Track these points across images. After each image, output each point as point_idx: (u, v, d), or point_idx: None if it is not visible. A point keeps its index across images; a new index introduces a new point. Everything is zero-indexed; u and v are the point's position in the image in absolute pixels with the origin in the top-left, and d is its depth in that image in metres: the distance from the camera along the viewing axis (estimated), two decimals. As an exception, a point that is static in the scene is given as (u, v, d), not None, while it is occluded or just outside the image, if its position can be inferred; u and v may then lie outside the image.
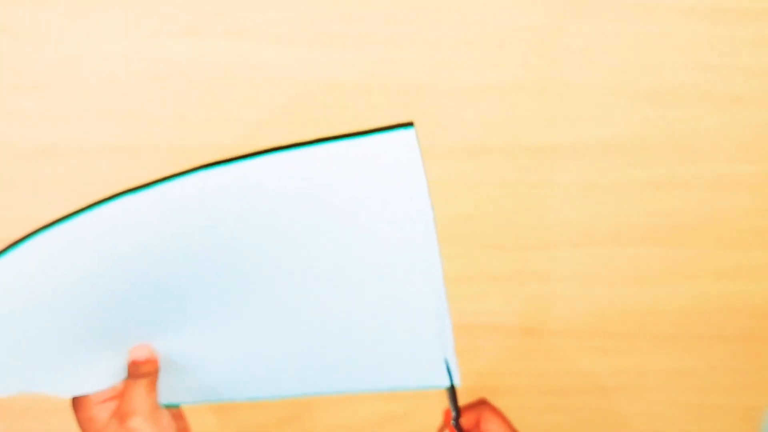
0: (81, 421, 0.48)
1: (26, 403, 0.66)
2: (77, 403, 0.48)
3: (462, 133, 0.58)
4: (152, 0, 0.52)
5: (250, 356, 0.52)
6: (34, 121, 0.55)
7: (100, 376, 0.48)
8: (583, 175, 0.60)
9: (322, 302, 0.50)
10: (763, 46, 0.57)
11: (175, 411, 0.51)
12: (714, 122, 0.59)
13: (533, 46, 0.55)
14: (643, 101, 0.58)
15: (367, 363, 0.52)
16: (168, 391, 0.50)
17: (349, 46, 0.54)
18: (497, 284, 0.63)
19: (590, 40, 0.55)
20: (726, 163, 0.61)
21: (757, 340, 0.68)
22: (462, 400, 0.51)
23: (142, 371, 0.48)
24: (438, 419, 0.52)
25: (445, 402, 0.50)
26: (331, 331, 0.51)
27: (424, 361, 0.51)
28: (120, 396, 0.48)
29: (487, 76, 0.56)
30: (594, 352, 0.68)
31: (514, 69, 0.56)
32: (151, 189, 0.46)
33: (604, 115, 0.58)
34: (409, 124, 0.45)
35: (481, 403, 0.51)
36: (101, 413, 0.48)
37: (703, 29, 0.56)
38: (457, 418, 0.50)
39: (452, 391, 0.50)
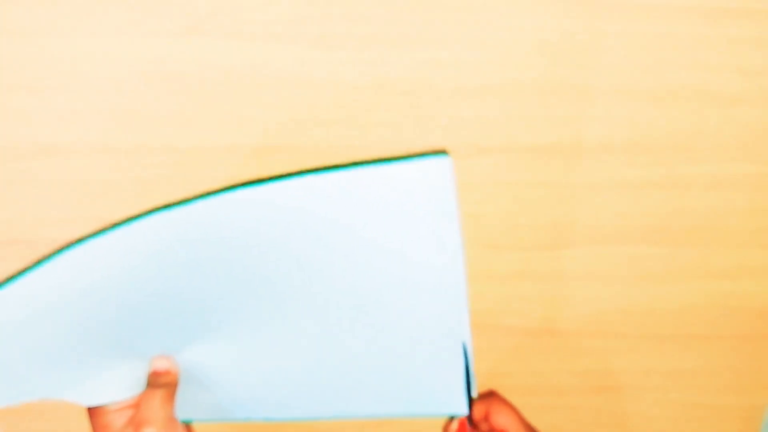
0: (96, 426, 0.48)
1: (27, 404, 0.66)
2: (93, 408, 0.48)
3: (462, 133, 0.58)
4: (152, 0, 0.52)
5: (269, 376, 0.52)
6: (34, 121, 0.55)
7: (121, 385, 0.48)
8: (583, 175, 0.60)
9: (344, 325, 0.50)
10: (763, 46, 0.57)
11: (187, 427, 0.51)
12: (714, 122, 0.59)
13: (533, 46, 0.55)
14: (643, 101, 0.58)
15: (386, 389, 0.52)
16: (184, 406, 0.50)
17: (349, 46, 0.54)
18: (497, 284, 0.63)
19: (590, 40, 0.55)
20: (726, 163, 0.61)
21: (757, 340, 0.68)
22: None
23: (161, 381, 0.48)
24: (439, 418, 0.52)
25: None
26: (351, 355, 0.51)
27: (442, 390, 0.51)
28: (137, 405, 0.48)
29: (487, 76, 0.56)
30: (594, 352, 0.68)
31: (514, 69, 0.56)
32: (184, 206, 0.46)
33: (604, 115, 0.58)
34: (443, 152, 0.45)
35: (491, 395, 0.51)
36: (117, 420, 0.48)
37: (703, 29, 0.56)
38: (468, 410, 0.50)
39: (468, 383, 0.50)
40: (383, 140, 0.57)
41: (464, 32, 0.55)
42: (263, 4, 0.53)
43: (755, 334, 0.68)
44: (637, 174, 0.60)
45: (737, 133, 0.60)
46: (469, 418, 0.50)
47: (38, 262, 0.44)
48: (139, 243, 0.45)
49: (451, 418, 0.51)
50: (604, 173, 0.60)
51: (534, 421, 0.51)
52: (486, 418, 0.50)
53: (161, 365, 0.48)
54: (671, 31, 0.56)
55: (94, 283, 0.45)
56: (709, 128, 0.59)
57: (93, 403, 0.48)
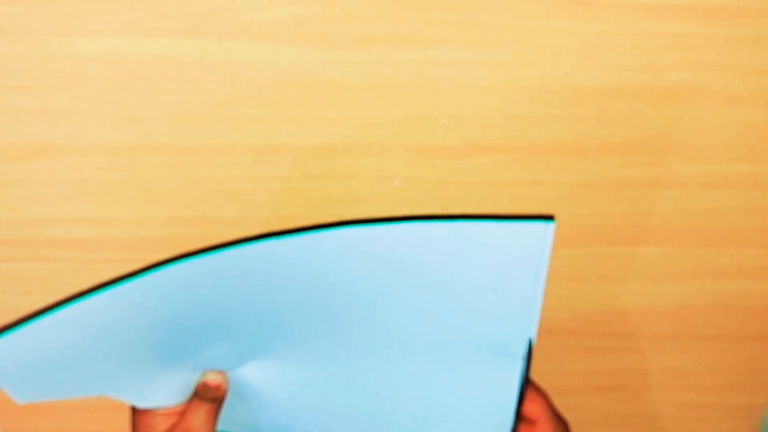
0: (138, 425, 0.48)
1: (27, 404, 0.66)
2: (140, 409, 0.49)
3: (462, 133, 0.58)
4: (152, 0, 0.52)
5: (314, 405, 0.52)
6: (34, 121, 0.55)
7: (171, 392, 0.49)
8: (583, 174, 0.60)
9: (404, 368, 0.51)
10: (763, 46, 0.57)
11: None
12: (713, 122, 0.59)
13: (533, 46, 0.55)
14: (643, 101, 0.58)
15: None
16: (224, 417, 0.50)
17: (349, 46, 0.54)
18: (497, 284, 0.63)
19: (590, 40, 0.55)
20: (725, 163, 0.61)
21: (757, 340, 0.68)
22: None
23: (209, 395, 0.48)
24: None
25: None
26: (404, 398, 0.51)
27: None
28: (182, 413, 0.48)
29: (487, 76, 0.56)
30: (594, 352, 0.68)
31: (514, 69, 0.56)
32: (264, 243, 0.46)
33: (604, 115, 0.58)
34: (551, 218, 0.45)
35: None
36: (160, 424, 0.48)
37: (703, 29, 0.56)
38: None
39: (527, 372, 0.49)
40: (383, 140, 0.57)
41: (464, 32, 0.55)
42: (263, 4, 0.53)
43: (755, 334, 0.68)
44: (637, 174, 0.60)
45: (737, 133, 0.60)
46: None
47: (130, 276, 0.45)
48: (213, 275, 0.46)
49: None
50: (603, 173, 0.60)
51: (534, 421, 0.52)
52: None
53: (214, 380, 0.49)
54: (671, 30, 0.56)
55: (171, 304, 0.46)
56: (709, 128, 0.59)
57: (144, 405, 0.48)
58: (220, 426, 0.50)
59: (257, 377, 0.51)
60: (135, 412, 0.49)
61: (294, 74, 0.55)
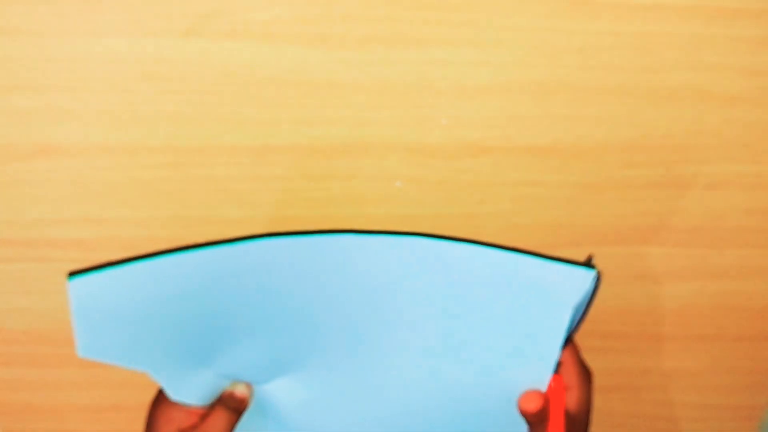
0: (159, 415, 0.49)
1: (26, 403, 0.66)
2: (164, 400, 0.50)
3: (462, 133, 0.58)
4: (152, 0, 0.52)
5: (336, 425, 0.53)
6: (34, 121, 0.55)
7: (199, 392, 0.50)
8: (583, 175, 0.60)
9: (416, 391, 0.51)
10: (763, 47, 0.57)
11: None
12: (714, 122, 0.59)
13: (533, 46, 0.55)
14: (643, 101, 0.58)
15: None
16: (241, 428, 0.51)
17: (349, 46, 0.54)
18: (497, 284, 0.63)
19: (590, 40, 0.55)
20: (726, 163, 0.61)
21: (757, 340, 0.68)
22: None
23: (233, 405, 0.49)
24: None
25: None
26: (420, 418, 0.52)
27: None
28: (203, 416, 0.49)
29: (487, 76, 0.56)
30: (594, 352, 0.68)
31: (514, 69, 0.56)
32: (304, 238, 0.47)
33: (604, 115, 0.58)
34: (592, 267, 0.45)
35: None
36: (181, 420, 0.49)
37: (703, 29, 0.56)
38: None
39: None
40: (383, 140, 0.57)
41: (464, 32, 0.55)
42: (263, 4, 0.53)
43: (755, 334, 0.68)
44: (636, 174, 0.60)
45: (737, 133, 0.60)
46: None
47: (183, 249, 0.46)
48: (260, 261, 0.47)
49: None
50: (603, 173, 0.60)
51: (534, 421, 0.52)
52: None
53: (241, 392, 0.50)
54: (671, 31, 0.56)
55: (212, 288, 0.47)
56: (709, 128, 0.59)
57: (174, 396, 0.49)
58: None
59: (280, 393, 0.51)
60: (157, 402, 0.50)
61: (294, 74, 0.55)
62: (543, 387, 0.49)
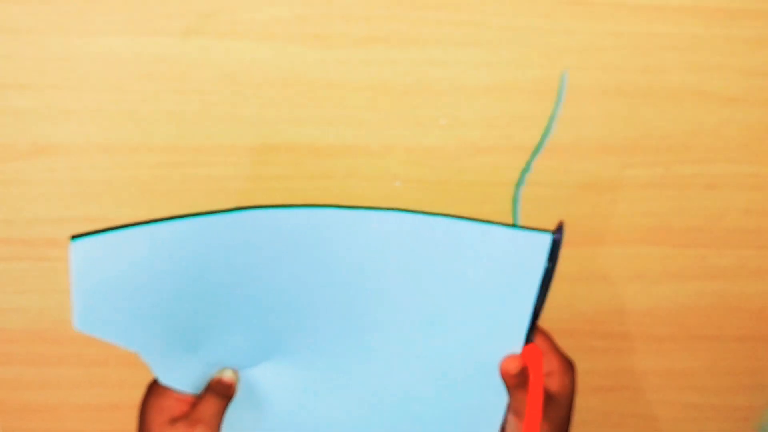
0: (151, 405, 0.50)
1: (25, 402, 0.66)
2: (155, 391, 0.50)
3: (462, 134, 0.58)
4: (152, 0, 0.52)
5: (324, 409, 0.53)
6: (34, 120, 0.55)
7: (187, 379, 0.50)
8: (583, 174, 0.60)
9: (407, 365, 0.51)
10: (763, 47, 0.57)
11: None
12: (713, 122, 0.59)
13: (533, 46, 0.55)
14: (643, 101, 0.58)
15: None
16: (231, 424, 0.51)
17: (349, 46, 0.54)
18: (497, 284, 0.63)
19: (590, 40, 0.55)
20: (725, 163, 0.61)
21: (757, 340, 0.68)
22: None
23: (221, 391, 0.50)
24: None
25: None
26: (406, 397, 0.52)
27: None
28: (193, 404, 0.50)
29: (487, 76, 0.56)
30: (594, 352, 0.68)
31: (514, 69, 0.56)
32: (285, 210, 0.47)
33: (604, 115, 0.58)
34: (549, 231, 0.47)
35: None
36: (172, 408, 0.50)
37: (703, 30, 0.56)
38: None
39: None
40: (383, 140, 0.57)
41: (464, 32, 0.55)
42: (263, 4, 0.53)
43: (755, 334, 0.68)
44: (636, 174, 0.60)
45: (737, 133, 0.60)
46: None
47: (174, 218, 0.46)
48: (232, 233, 0.47)
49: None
50: (604, 173, 0.60)
51: (534, 421, 0.52)
52: None
53: (229, 377, 0.51)
54: (671, 31, 0.56)
55: (201, 261, 0.47)
56: (709, 128, 0.59)
57: (164, 380, 0.50)
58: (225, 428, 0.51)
59: (266, 379, 0.51)
60: (149, 393, 0.51)
61: (294, 74, 0.55)
62: (518, 351, 0.49)
